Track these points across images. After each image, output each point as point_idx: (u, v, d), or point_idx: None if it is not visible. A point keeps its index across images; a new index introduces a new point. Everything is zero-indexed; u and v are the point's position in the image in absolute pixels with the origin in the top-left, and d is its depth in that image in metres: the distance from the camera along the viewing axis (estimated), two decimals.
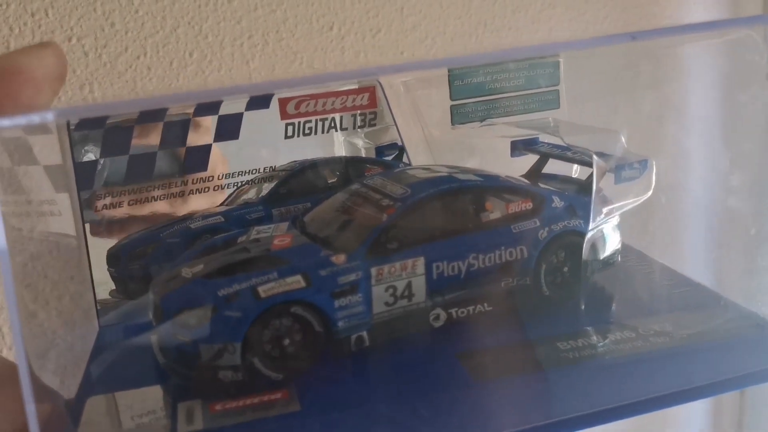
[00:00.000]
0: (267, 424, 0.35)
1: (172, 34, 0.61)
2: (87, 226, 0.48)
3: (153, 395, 0.38)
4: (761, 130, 0.40)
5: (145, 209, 0.50)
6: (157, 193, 0.50)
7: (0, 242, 0.26)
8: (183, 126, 0.48)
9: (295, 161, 0.55)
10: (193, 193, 0.50)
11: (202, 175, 0.50)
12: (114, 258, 0.51)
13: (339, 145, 0.57)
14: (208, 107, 0.48)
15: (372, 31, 0.70)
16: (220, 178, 0.50)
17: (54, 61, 0.28)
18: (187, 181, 0.50)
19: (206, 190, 0.50)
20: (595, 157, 0.43)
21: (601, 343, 0.41)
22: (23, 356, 0.28)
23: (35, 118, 0.26)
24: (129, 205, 0.49)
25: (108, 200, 0.48)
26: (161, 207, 0.50)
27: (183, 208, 0.51)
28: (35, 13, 0.56)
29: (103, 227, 0.50)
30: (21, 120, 0.26)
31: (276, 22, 0.65)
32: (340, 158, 0.57)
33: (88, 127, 0.45)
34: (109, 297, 0.50)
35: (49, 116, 0.27)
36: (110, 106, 0.35)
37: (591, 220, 0.44)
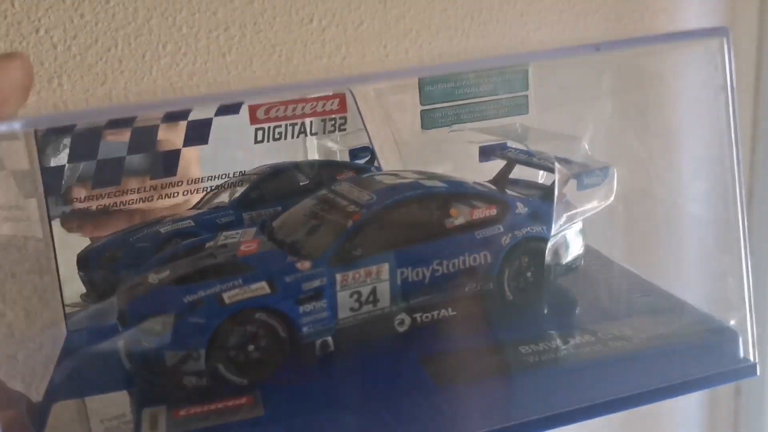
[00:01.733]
0: (230, 429, 0.35)
1: (144, 26, 0.60)
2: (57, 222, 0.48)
3: (119, 401, 0.38)
4: (719, 139, 0.41)
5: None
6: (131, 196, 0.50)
7: None
8: (152, 132, 0.48)
9: (266, 165, 0.55)
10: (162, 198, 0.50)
11: (172, 180, 0.50)
12: (83, 262, 0.51)
13: (312, 149, 0.57)
14: (178, 113, 0.48)
15: (354, 23, 0.69)
16: (190, 183, 0.51)
17: (21, 73, 0.29)
18: (157, 186, 0.50)
19: (175, 195, 0.51)
20: (557, 164, 0.44)
21: (561, 348, 0.41)
22: None
23: (2, 128, 0.27)
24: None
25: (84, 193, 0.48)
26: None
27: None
28: (1, 3, 0.54)
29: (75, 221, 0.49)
30: None
31: (254, 13, 0.64)
32: (311, 162, 0.57)
33: (57, 132, 0.45)
34: (80, 300, 0.51)
35: (17, 125, 0.27)
36: (77, 115, 0.35)
37: (553, 226, 0.44)
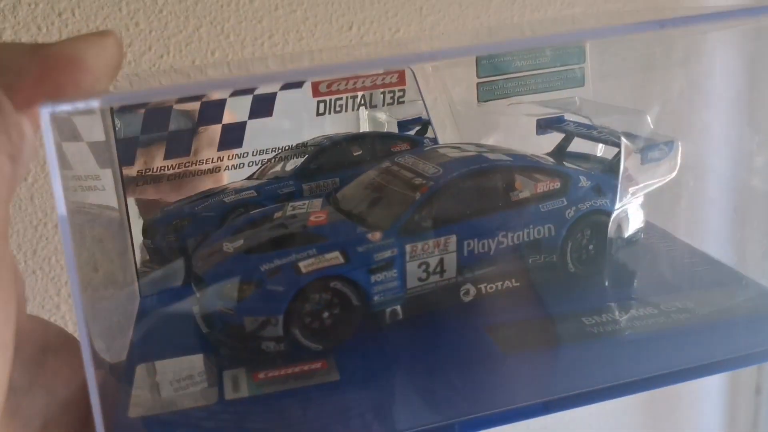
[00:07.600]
0: (308, 393, 0.37)
1: (194, 34, 0.62)
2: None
3: (198, 363, 0.40)
4: None
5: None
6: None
7: (60, 210, 0.28)
8: (220, 106, 0.49)
9: (324, 136, 0.56)
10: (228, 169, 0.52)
11: (237, 151, 0.51)
12: (151, 231, 0.53)
13: (363, 121, 0.58)
14: (244, 89, 0.49)
15: (391, 30, 0.71)
16: (255, 154, 0.52)
17: (113, 51, 0.29)
18: (223, 157, 0.51)
19: (241, 166, 0.52)
20: (623, 138, 0.44)
21: (623, 319, 0.42)
22: (83, 323, 0.29)
23: (81, 105, 0.28)
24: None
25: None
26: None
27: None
28: (62, 12, 0.57)
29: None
30: (67, 107, 0.27)
31: (296, 21, 0.66)
32: (368, 134, 0.58)
33: (130, 107, 0.46)
34: (144, 267, 0.52)
35: (95, 103, 0.28)
36: (149, 94, 0.36)
37: (617, 200, 0.45)
